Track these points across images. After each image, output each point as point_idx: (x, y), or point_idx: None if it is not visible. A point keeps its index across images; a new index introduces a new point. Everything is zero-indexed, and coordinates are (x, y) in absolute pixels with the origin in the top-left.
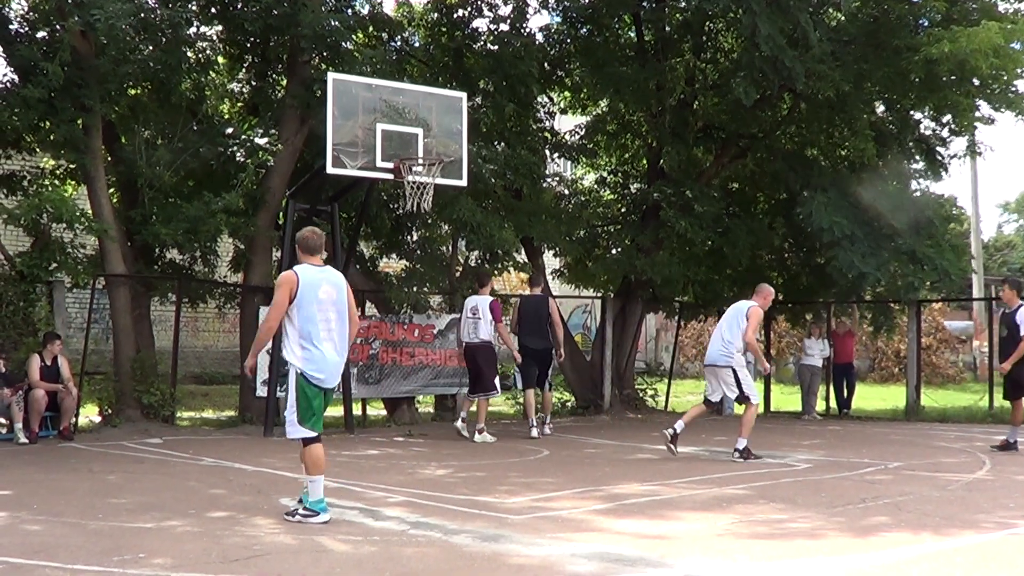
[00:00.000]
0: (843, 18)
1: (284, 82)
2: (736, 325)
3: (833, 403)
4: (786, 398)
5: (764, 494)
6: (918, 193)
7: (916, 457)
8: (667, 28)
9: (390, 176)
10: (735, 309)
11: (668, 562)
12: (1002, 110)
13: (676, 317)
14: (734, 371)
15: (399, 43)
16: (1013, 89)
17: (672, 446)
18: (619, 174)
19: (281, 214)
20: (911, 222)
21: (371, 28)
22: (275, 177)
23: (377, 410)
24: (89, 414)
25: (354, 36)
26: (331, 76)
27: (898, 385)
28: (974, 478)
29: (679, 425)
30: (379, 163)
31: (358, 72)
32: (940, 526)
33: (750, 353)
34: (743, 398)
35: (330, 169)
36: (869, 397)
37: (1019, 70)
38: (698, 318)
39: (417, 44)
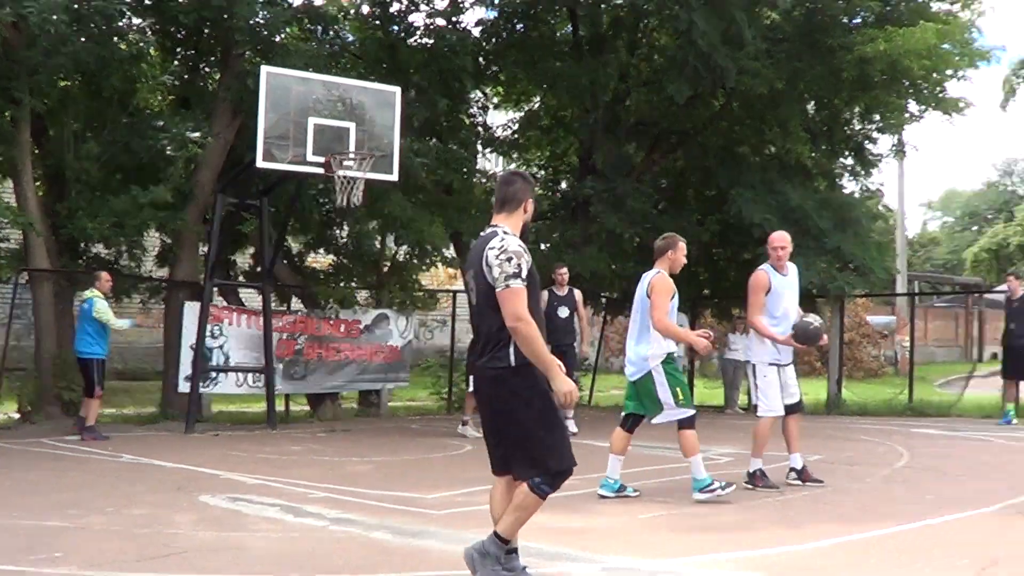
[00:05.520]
0: (778, 16)
1: (217, 75)
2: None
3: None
4: (710, 392)
5: (684, 487)
6: (846, 191)
7: (835, 450)
8: (602, 25)
9: (321, 171)
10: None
11: (589, 556)
12: (931, 110)
13: (602, 312)
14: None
15: (332, 36)
16: (942, 89)
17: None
18: (550, 169)
19: (210, 208)
20: (838, 220)
21: (305, 21)
22: (205, 171)
23: (300, 406)
24: (8, 411)
25: (288, 29)
26: (264, 69)
27: (820, 378)
28: (892, 470)
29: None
30: (310, 157)
31: (291, 65)
32: (856, 518)
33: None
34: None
35: (260, 163)
36: None
37: (948, 71)
38: (624, 314)
39: (351, 38)
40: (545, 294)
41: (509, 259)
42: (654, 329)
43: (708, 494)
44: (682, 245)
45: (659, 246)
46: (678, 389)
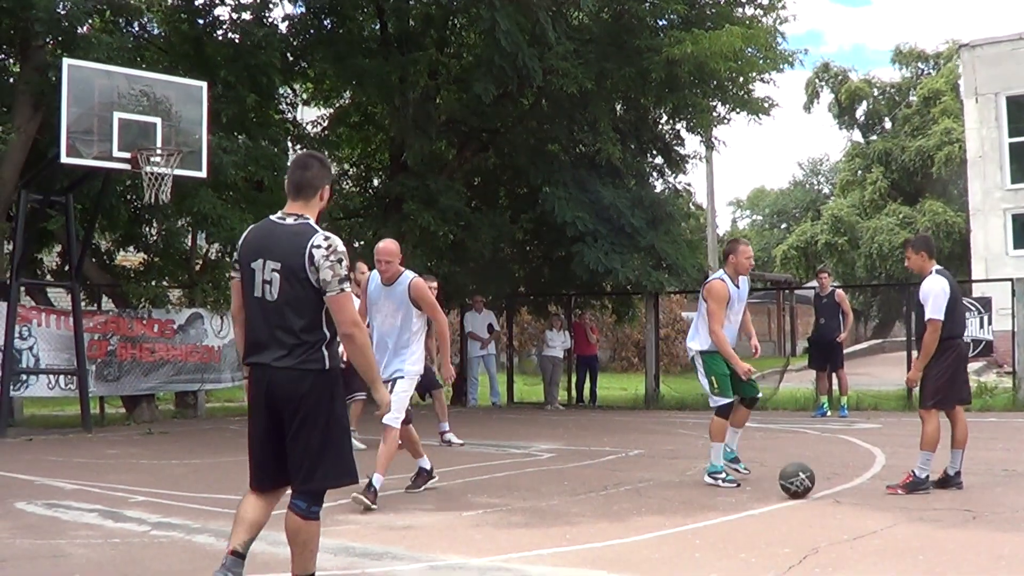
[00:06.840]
0: (585, 18)
1: (16, 67)
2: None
3: (576, 392)
4: (529, 389)
5: (508, 484)
6: (657, 189)
7: (656, 444)
8: (410, 22)
9: (127, 166)
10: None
11: (415, 555)
12: (737, 111)
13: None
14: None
15: (137, 29)
16: (747, 91)
17: None
18: (362, 166)
19: (14, 205)
20: (651, 218)
21: (108, 13)
22: (7, 166)
23: (116, 408)
24: None
25: (90, 21)
26: (66, 62)
27: (638, 374)
28: None
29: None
30: (116, 153)
31: (95, 58)
32: (679, 510)
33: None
34: None
35: (64, 158)
36: (610, 387)
37: (754, 73)
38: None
39: (156, 31)
40: None
41: (340, 260)
42: (707, 334)
43: (713, 480)
44: (743, 248)
45: (723, 251)
46: (713, 378)
